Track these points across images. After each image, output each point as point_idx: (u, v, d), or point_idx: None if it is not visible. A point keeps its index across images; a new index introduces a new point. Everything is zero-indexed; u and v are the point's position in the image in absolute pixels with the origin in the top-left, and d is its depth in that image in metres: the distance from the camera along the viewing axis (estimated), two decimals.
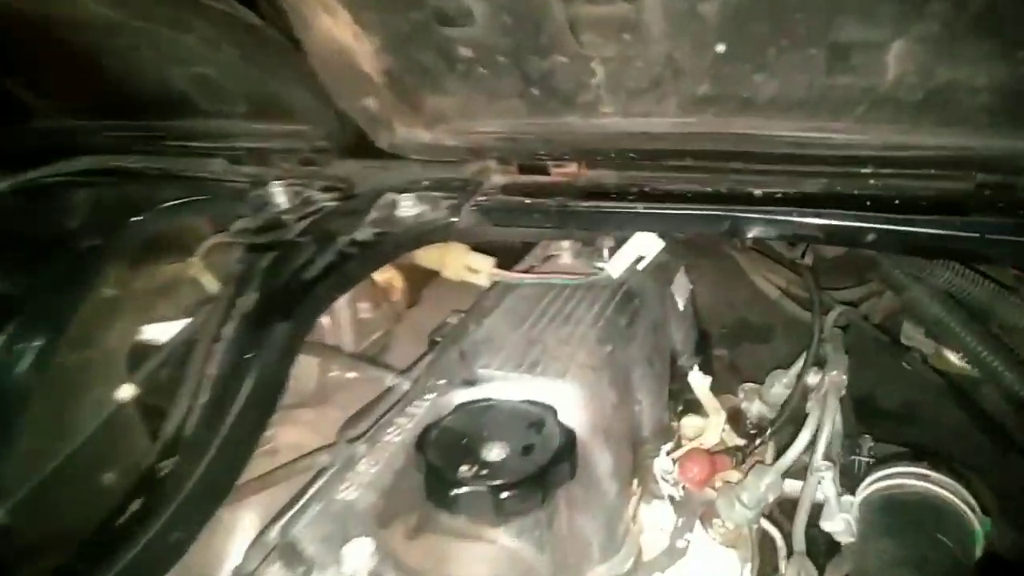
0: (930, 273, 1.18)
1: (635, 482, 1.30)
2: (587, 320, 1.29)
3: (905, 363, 1.59)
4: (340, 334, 1.40)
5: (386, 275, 1.60)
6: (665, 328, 1.53)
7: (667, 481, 1.28)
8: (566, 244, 1.51)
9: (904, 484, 1.03)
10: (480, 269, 1.38)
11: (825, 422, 1.14)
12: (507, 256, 1.52)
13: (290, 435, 1.26)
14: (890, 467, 1.07)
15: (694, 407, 1.49)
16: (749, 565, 1.23)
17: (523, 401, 1.09)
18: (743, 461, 1.35)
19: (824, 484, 1.09)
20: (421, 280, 1.66)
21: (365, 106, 1.21)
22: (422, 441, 1.01)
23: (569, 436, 1.01)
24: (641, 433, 1.37)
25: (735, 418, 1.56)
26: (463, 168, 1.31)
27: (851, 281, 1.63)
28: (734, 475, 1.35)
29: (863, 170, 1.06)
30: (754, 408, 1.55)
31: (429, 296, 1.66)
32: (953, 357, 1.53)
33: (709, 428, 1.41)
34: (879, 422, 1.71)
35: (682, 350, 1.63)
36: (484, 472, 0.95)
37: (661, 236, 1.18)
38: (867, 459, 1.43)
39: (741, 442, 1.49)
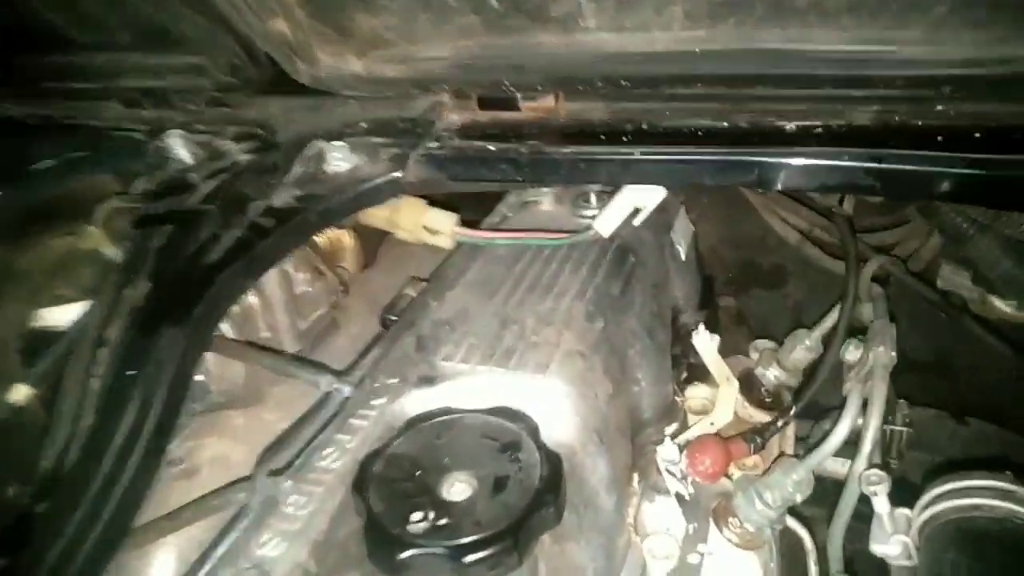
0: (1003, 220, 0.93)
1: (635, 477, 1.10)
2: (573, 290, 1.08)
3: (943, 312, 1.37)
4: (272, 314, 1.14)
5: (332, 234, 1.33)
6: (666, 286, 1.31)
7: (673, 475, 1.08)
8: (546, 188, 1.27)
9: (982, 505, 0.80)
10: (440, 229, 1.14)
11: (873, 414, 0.91)
12: (474, 205, 1.27)
13: (214, 447, 1.04)
14: (960, 480, 0.84)
15: (700, 374, 1.29)
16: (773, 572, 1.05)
17: (494, 410, 0.86)
18: (762, 447, 1.15)
19: (877, 501, 0.87)
20: (375, 237, 1.39)
21: (274, 29, 0.92)
22: (362, 478, 0.77)
23: (554, 464, 0.78)
24: (641, 416, 1.16)
25: (747, 383, 1.37)
26: (409, 105, 1.04)
27: (885, 219, 1.38)
28: (751, 460, 1.16)
29: (933, 93, 0.79)
30: (770, 373, 1.37)
31: (385, 256, 1.40)
32: (1000, 303, 1.32)
33: (720, 403, 1.22)
34: (909, 376, 1.52)
35: (684, 306, 1.43)
36: (442, 522, 0.72)
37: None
38: (901, 428, 1.25)
39: (756, 416, 1.30)
